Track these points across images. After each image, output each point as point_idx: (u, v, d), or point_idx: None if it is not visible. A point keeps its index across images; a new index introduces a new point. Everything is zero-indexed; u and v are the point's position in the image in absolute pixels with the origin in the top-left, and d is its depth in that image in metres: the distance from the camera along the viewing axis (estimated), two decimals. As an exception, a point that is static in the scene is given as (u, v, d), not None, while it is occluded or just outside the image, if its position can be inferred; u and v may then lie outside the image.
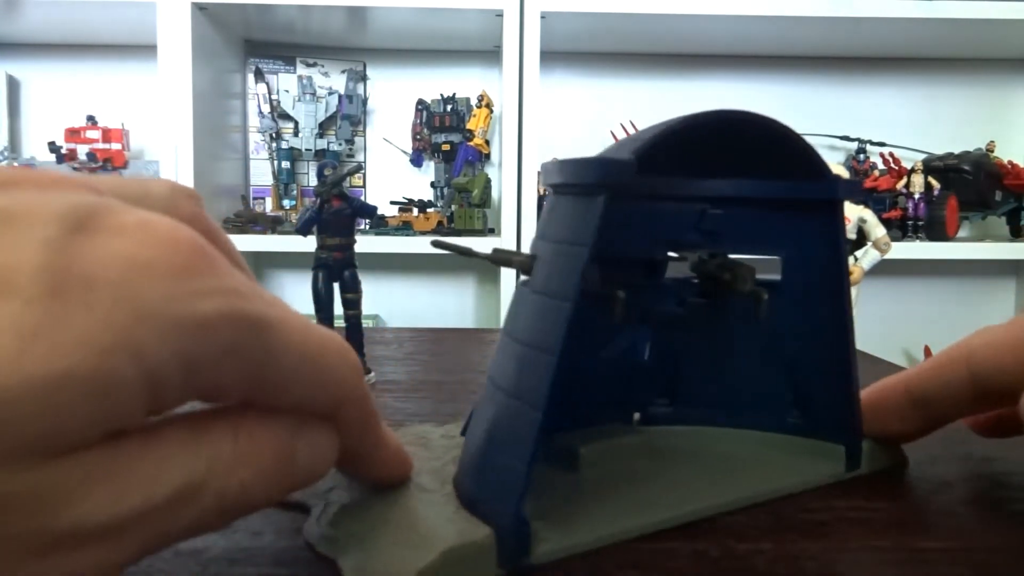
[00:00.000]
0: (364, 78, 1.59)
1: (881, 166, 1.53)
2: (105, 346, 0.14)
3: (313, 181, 1.57)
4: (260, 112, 1.55)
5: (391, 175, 1.63)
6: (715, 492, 0.29)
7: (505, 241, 1.36)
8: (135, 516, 0.15)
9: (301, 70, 1.56)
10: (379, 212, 0.51)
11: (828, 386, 0.33)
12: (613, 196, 0.23)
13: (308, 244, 0.52)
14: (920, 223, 1.43)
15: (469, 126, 1.53)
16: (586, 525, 0.25)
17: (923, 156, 1.54)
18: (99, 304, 0.14)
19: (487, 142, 1.55)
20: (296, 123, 1.56)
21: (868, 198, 1.43)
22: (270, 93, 1.55)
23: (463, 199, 1.44)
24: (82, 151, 1.42)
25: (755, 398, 0.35)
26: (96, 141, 1.44)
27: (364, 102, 1.59)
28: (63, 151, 1.41)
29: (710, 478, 0.31)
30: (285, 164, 1.55)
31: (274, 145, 1.56)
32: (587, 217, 0.23)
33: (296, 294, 1.65)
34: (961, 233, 1.53)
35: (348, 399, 0.21)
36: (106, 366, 0.14)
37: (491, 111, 1.53)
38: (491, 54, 1.53)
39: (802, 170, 0.31)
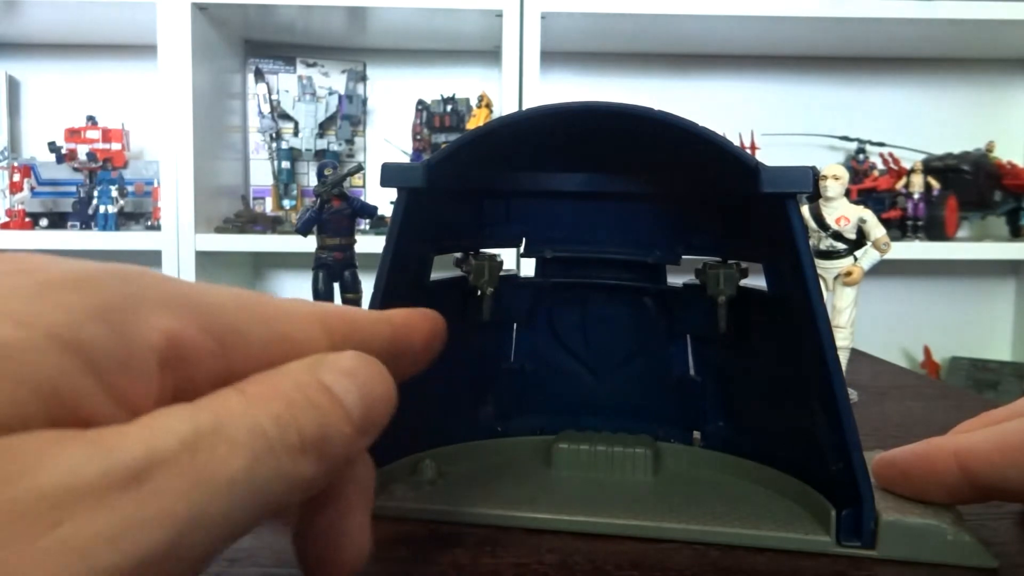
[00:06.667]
0: (364, 78, 1.59)
1: (881, 166, 1.53)
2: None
3: (313, 181, 1.57)
4: (260, 112, 1.54)
5: (391, 175, 1.63)
6: (633, 514, 0.27)
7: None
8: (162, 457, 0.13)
9: (301, 70, 1.56)
10: (379, 212, 0.52)
11: (810, 422, 0.28)
12: (412, 195, 0.28)
13: (308, 244, 0.52)
14: (920, 223, 1.43)
15: (469, 126, 1.52)
16: (443, 499, 0.29)
17: (923, 156, 1.53)
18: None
19: (487, 142, 1.55)
20: (296, 123, 1.56)
21: (868, 198, 1.43)
22: (270, 93, 1.54)
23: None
24: (82, 151, 1.42)
25: (778, 429, 0.31)
26: (96, 141, 1.43)
27: (364, 102, 1.59)
28: (63, 151, 1.41)
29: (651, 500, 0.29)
30: (285, 164, 1.55)
31: (274, 145, 1.55)
32: (394, 212, 0.29)
33: (296, 294, 1.64)
34: (961, 233, 1.53)
35: None
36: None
37: (491, 112, 1.52)
38: (491, 54, 1.53)
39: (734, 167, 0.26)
